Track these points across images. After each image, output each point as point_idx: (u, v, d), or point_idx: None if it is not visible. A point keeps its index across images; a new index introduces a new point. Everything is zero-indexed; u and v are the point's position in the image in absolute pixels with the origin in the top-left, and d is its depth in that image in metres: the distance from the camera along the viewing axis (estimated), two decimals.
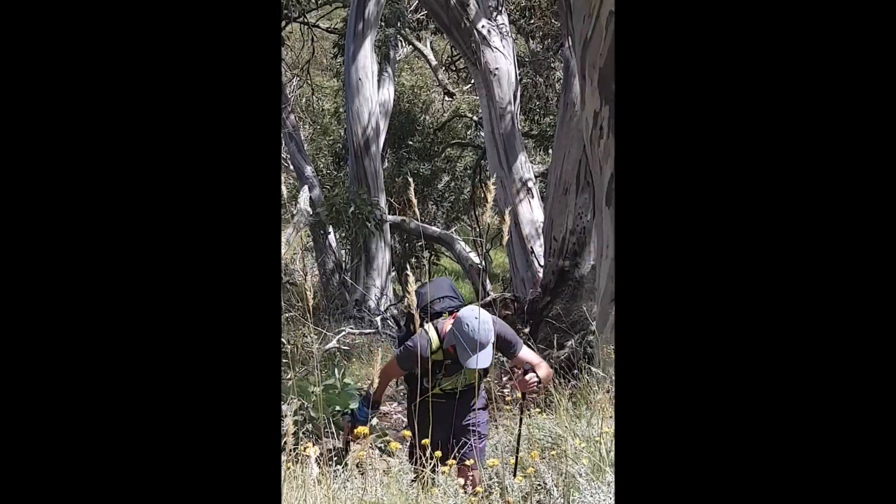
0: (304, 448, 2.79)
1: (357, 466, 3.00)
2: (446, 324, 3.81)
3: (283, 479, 2.66)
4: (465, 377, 3.94)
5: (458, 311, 3.89)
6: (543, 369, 3.90)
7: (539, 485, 3.11)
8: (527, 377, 3.76)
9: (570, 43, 8.28)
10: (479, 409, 4.05)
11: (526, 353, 3.97)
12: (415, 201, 3.38)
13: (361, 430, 3.20)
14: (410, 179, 4.22)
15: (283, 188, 3.22)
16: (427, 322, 3.86)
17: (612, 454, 2.88)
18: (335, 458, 3.55)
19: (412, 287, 2.87)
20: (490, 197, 2.97)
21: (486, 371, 3.98)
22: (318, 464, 2.72)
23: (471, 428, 3.97)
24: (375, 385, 3.75)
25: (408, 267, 4.22)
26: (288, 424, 2.35)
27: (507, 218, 3.76)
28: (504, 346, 3.89)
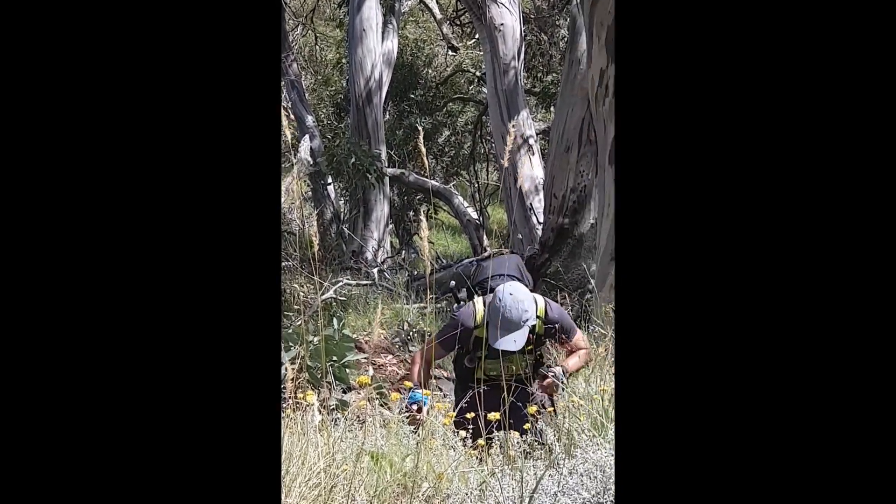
0: (305, 395, 2.79)
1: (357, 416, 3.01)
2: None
3: (283, 428, 2.67)
4: (510, 365, 3.68)
5: None
6: (582, 357, 3.77)
7: (537, 441, 3.11)
8: (546, 382, 3.58)
9: (578, 0, 8.20)
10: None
11: (577, 340, 3.83)
12: (423, 150, 3.25)
13: (363, 379, 3.20)
14: (420, 128, 4.18)
15: (287, 132, 3.18)
16: (478, 296, 3.74)
17: (612, 411, 2.89)
18: (336, 408, 3.57)
19: (425, 234, 2.74)
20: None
21: (537, 363, 3.78)
22: (320, 412, 2.72)
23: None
24: (415, 373, 3.60)
25: (419, 215, 4.16)
26: (287, 370, 2.34)
27: (507, 173, 3.70)
28: (561, 336, 3.72)
